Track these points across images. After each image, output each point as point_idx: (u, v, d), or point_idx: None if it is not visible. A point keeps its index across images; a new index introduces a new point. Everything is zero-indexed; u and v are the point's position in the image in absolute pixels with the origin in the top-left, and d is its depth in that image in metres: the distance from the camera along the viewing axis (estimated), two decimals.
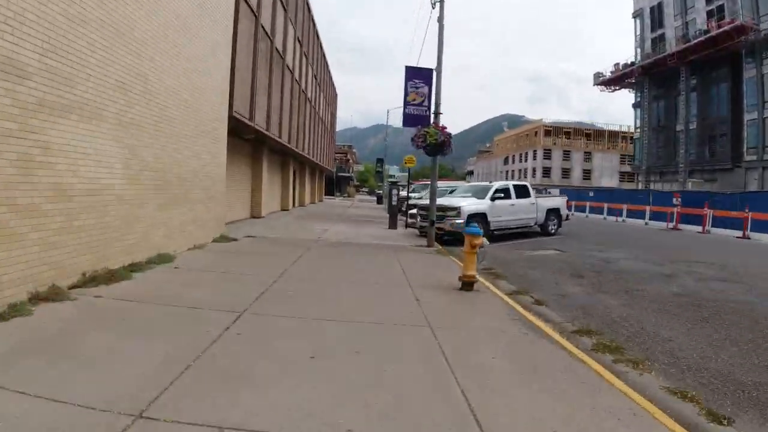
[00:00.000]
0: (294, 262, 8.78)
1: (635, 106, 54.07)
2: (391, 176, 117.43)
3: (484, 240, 7.08)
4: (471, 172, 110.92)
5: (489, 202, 14.98)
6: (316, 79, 28.80)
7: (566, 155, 74.98)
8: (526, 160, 78.88)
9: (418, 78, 12.34)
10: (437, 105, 12.22)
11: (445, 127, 11.44)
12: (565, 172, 74.28)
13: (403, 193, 19.99)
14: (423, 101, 12.35)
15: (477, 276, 7.22)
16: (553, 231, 17.37)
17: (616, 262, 11.05)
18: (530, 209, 16.54)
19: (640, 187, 50.32)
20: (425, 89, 12.34)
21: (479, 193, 15.48)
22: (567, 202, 19.07)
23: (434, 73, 12.32)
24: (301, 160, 28.84)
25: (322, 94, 33.03)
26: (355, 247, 11.51)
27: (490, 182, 16.55)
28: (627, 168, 75.61)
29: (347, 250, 10.90)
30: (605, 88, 55.08)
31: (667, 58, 42.48)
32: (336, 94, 45.76)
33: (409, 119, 12.34)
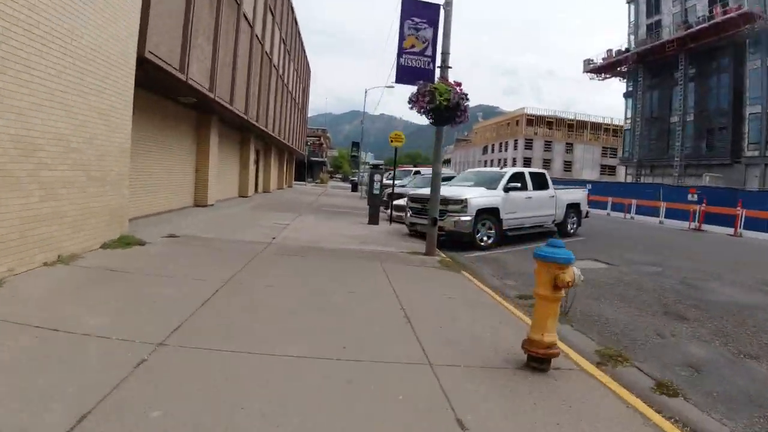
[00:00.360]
0: (212, 294, 5.05)
1: (627, 95, 51.70)
2: (365, 163, 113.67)
3: (577, 273, 3.54)
4: (448, 161, 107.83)
5: (502, 193, 11.51)
6: (284, 44, 24.63)
7: (547, 146, 72.55)
8: (506, 150, 76.14)
9: (419, 16, 8.64)
10: (445, 55, 8.58)
11: (460, 84, 7.82)
12: (546, 163, 71.72)
13: (390, 181, 16.25)
14: (425, 49, 8.68)
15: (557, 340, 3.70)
16: (572, 231, 14.10)
17: (703, 285, 7.72)
18: (549, 204, 13.15)
19: (629, 180, 48.07)
20: (428, 32, 8.66)
21: (488, 182, 11.94)
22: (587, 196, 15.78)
23: (441, 10, 8.66)
24: (266, 139, 24.77)
25: (292, 64, 28.84)
26: (322, 258, 7.82)
27: (501, 167, 13.08)
28: (609, 161, 74.00)
29: (310, 265, 7.20)
30: (595, 76, 52.39)
31: (665, 45, 39.85)
32: (309, 70, 41.45)
33: (404, 73, 8.66)
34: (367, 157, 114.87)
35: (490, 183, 11.81)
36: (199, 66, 11.12)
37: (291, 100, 30.32)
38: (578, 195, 14.99)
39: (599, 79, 53.01)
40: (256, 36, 17.51)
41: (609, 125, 75.47)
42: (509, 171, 12.44)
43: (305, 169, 48.68)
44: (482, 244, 10.96)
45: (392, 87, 36.57)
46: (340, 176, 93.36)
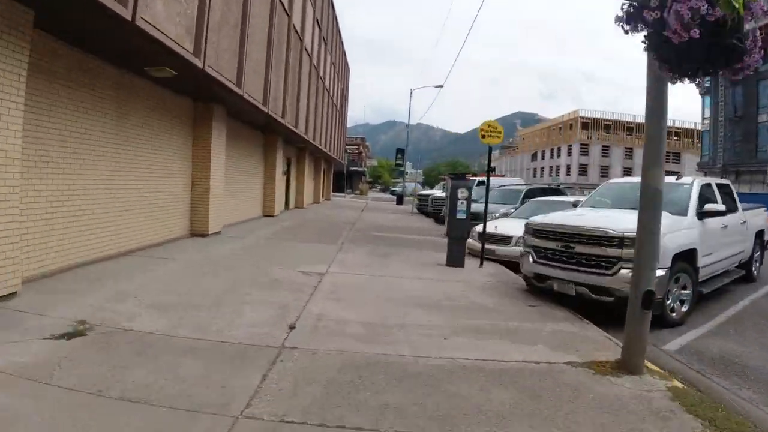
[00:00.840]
0: None
1: (703, 93, 44.96)
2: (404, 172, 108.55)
3: None
4: (493, 169, 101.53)
5: (696, 222, 6.47)
6: (319, 26, 20.18)
7: (605, 151, 65.72)
8: (558, 156, 69.63)
9: None
10: None
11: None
12: (604, 170, 65.00)
13: (480, 201, 11.17)
14: None
15: None
16: (756, 272, 8.99)
17: None
18: (741, 234, 8.11)
19: None
20: None
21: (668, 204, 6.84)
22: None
23: None
24: (298, 143, 20.37)
25: (329, 56, 24.42)
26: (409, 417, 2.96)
27: (677, 178, 7.95)
28: (672, 167, 66.59)
29: None
30: (668, 74, 45.84)
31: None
32: (348, 68, 37.05)
33: None
34: (406, 167, 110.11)
35: (674, 204, 6.65)
36: (176, 16, 6.59)
37: (328, 98, 25.89)
38: (763, 218, 9.68)
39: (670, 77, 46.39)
40: (282, 4, 13.02)
41: (672, 127, 68.10)
42: (695, 183, 7.28)
43: (344, 180, 44.37)
44: (673, 315, 5.89)
45: (441, 87, 32.09)
46: (380, 187, 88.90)
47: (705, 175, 46.54)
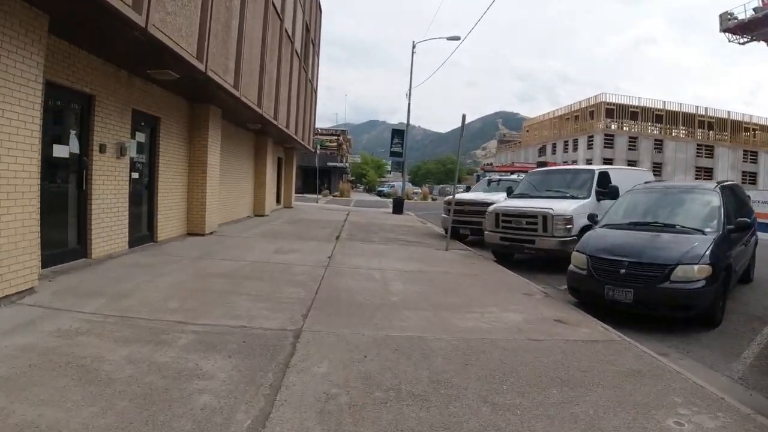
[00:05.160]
0: None
1: None
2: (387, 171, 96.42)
3: None
4: (490, 165, 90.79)
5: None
6: None
7: (632, 143, 55.95)
8: (575, 149, 59.63)
9: None
10: None
11: None
12: (631, 165, 55.19)
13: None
14: None
15: None
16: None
17: None
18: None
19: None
20: None
21: None
22: None
23: None
24: (243, 115, 9.90)
25: None
26: None
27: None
28: (704, 162, 57.38)
29: None
30: (735, 37, 36.08)
31: None
32: (320, 9, 25.19)
33: None
34: (389, 166, 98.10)
35: None
36: None
37: (292, 52, 15.14)
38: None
39: (738, 42, 36.71)
40: None
41: (704, 116, 58.81)
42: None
43: (317, 177, 33.10)
44: None
45: (458, 39, 24.00)
46: (363, 186, 77.72)
47: None
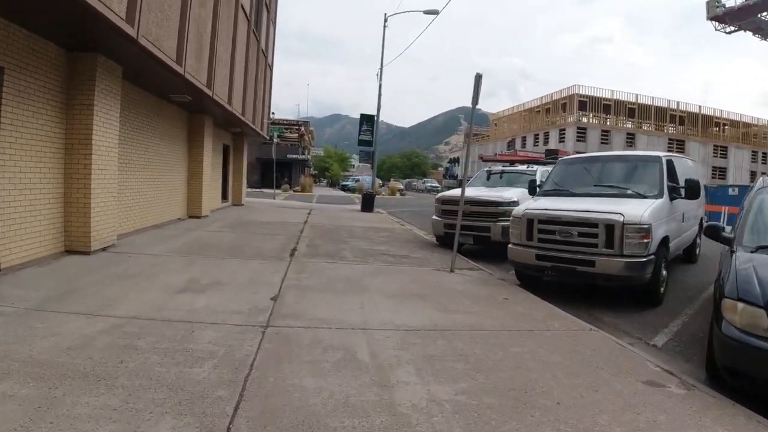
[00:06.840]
0: None
1: None
2: (351, 166, 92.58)
3: None
4: (455, 160, 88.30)
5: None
6: None
7: (604, 137, 54.65)
8: (546, 143, 57.91)
9: None
10: None
11: None
12: None
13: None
14: None
15: None
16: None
17: None
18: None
19: None
20: None
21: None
22: None
23: None
24: (158, 77, 6.50)
25: None
26: None
27: None
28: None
29: None
30: (722, 25, 34.58)
31: None
32: None
33: None
34: (353, 160, 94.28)
35: None
36: None
37: (237, 6, 11.72)
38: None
39: (724, 31, 35.28)
40: None
41: (675, 110, 58.21)
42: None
43: (273, 170, 29.30)
44: None
45: (436, 13, 21.41)
46: (326, 181, 73.81)
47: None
